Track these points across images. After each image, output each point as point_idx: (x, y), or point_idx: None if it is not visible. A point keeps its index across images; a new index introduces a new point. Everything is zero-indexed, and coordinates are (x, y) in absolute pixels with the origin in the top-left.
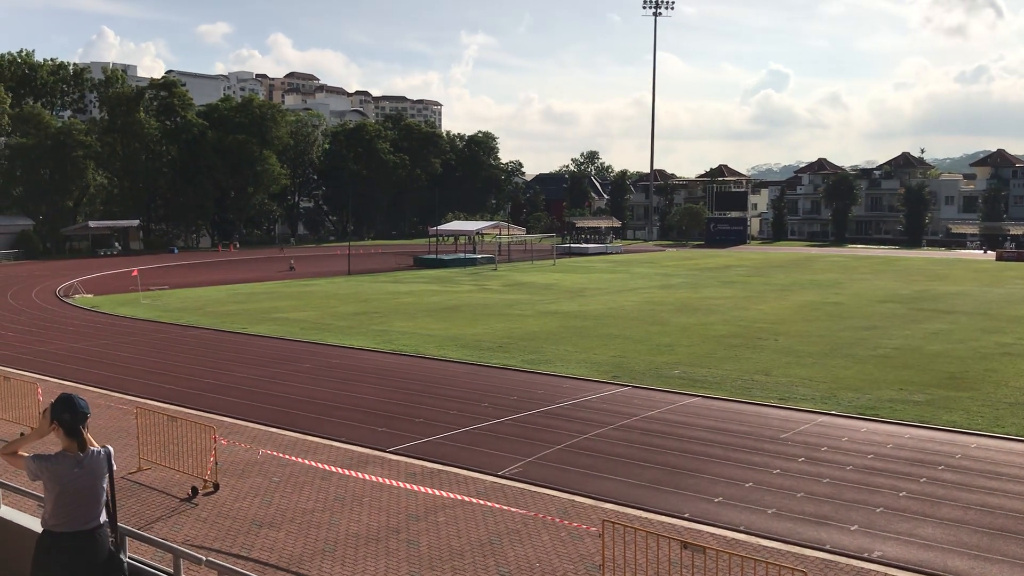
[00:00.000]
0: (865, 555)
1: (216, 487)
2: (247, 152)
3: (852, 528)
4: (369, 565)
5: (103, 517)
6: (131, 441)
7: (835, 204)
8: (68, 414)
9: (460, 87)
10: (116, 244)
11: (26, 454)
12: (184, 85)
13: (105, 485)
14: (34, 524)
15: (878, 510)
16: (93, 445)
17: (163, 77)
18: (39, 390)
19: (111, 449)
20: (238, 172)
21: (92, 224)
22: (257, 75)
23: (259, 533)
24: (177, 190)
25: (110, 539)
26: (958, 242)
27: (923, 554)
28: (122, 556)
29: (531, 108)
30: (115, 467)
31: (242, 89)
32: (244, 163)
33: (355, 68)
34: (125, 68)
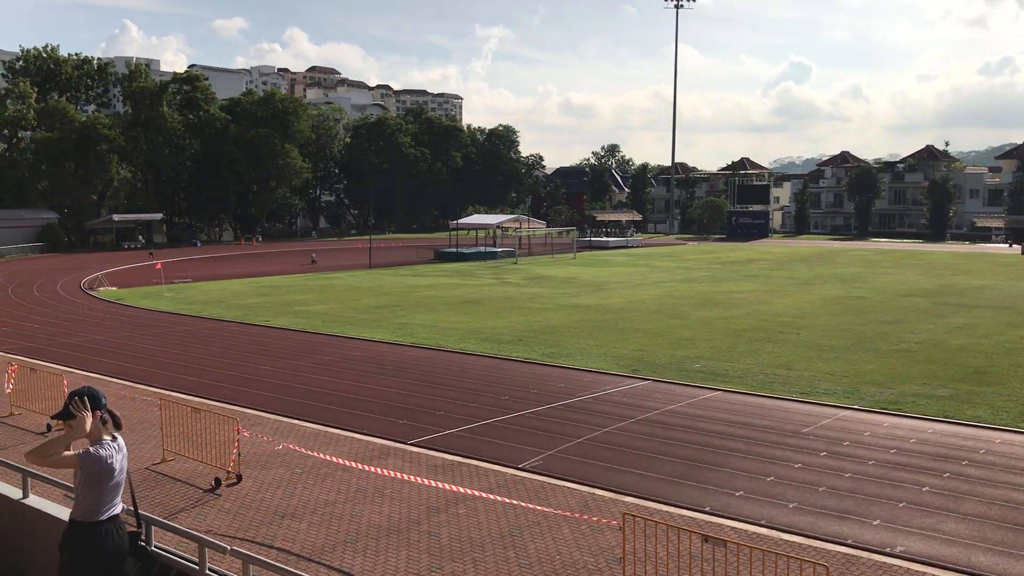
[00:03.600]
0: (888, 550)
1: (239, 478)
2: (269, 146)
3: (874, 523)
4: (391, 556)
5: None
6: (155, 432)
7: (858, 197)
8: (104, 399)
9: (479, 80)
10: (140, 237)
11: (71, 452)
12: (207, 79)
13: None
14: (61, 512)
15: (901, 505)
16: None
17: (186, 71)
18: (64, 381)
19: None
20: (260, 166)
21: (116, 217)
22: (279, 69)
23: (282, 524)
24: (200, 184)
25: (131, 522)
26: (983, 236)
27: (946, 549)
28: (143, 540)
29: (550, 101)
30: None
31: (264, 83)
32: (266, 157)
33: (372, 61)
34: (148, 63)
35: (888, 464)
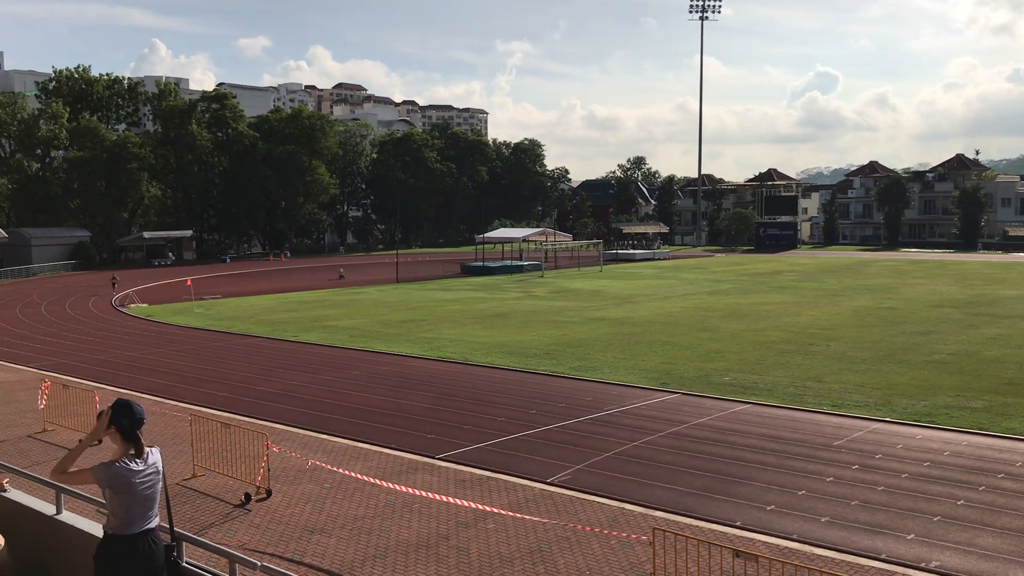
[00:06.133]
0: (923, 565)
1: (269, 493)
2: (297, 162)
3: (908, 537)
4: (419, 572)
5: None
6: (185, 448)
7: (887, 207)
8: (127, 419)
9: (503, 95)
10: (170, 254)
11: (84, 466)
12: (235, 97)
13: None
14: (94, 528)
15: (935, 519)
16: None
17: (214, 90)
18: (96, 398)
19: (158, 448)
20: (288, 182)
21: (146, 235)
22: (306, 86)
23: (311, 539)
24: (229, 200)
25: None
26: (1015, 245)
27: (983, 564)
28: (176, 555)
29: (574, 114)
30: (164, 467)
31: (291, 100)
32: (294, 173)
33: (396, 78)
34: (177, 81)
35: (922, 477)
